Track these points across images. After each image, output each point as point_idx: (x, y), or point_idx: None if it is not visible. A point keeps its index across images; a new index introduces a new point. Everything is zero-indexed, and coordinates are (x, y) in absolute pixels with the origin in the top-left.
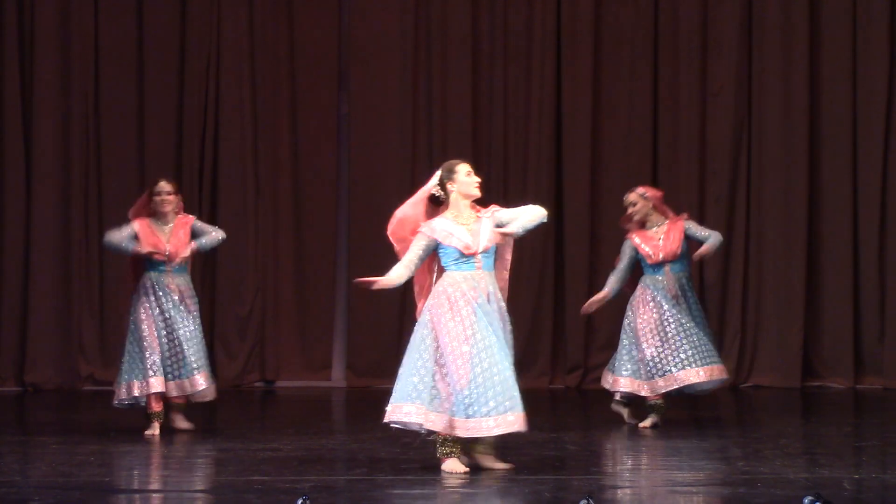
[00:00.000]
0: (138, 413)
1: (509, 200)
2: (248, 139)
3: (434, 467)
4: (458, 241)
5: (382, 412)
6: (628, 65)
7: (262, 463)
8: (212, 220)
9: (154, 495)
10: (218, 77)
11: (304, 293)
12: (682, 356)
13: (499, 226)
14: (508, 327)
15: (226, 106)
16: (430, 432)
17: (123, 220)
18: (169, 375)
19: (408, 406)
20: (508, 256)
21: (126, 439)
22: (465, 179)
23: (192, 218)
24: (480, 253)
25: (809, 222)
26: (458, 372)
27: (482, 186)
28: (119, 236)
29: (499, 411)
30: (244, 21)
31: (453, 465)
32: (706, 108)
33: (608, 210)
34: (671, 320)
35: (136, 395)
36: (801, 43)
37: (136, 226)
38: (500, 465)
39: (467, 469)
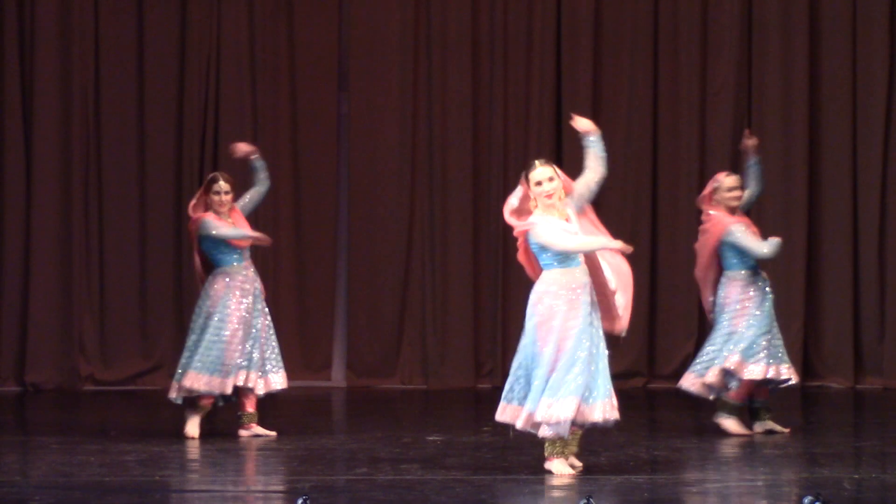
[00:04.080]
0: (137, 412)
1: None
2: (248, 139)
3: (433, 467)
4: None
5: (382, 412)
6: (628, 65)
7: (262, 463)
8: None
9: (154, 495)
10: (218, 77)
11: (304, 293)
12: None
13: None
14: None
15: (226, 106)
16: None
17: (123, 220)
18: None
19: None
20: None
21: (126, 439)
22: (535, 189)
23: (236, 207)
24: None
25: (809, 222)
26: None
27: (484, 185)
28: (235, 230)
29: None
30: (244, 21)
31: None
32: (706, 107)
33: (607, 210)
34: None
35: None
36: (801, 43)
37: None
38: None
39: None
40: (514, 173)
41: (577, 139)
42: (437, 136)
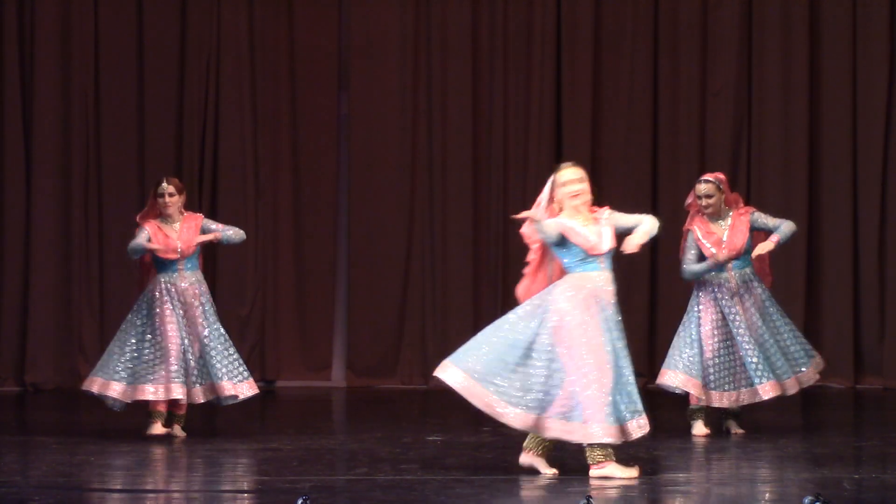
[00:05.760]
0: (139, 413)
1: (509, 201)
2: (248, 139)
3: (433, 467)
4: (584, 239)
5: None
6: (628, 64)
7: (262, 463)
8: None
9: (154, 496)
10: (218, 77)
11: (304, 293)
12: (739, 375)
13: (618, 232)
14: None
15: (226, 106)
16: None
17: (123, 220)
18: (192, 379)
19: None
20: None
21: (126, 439)
22: (561, 190)
23: (200, 216)
24: (605, 254)
25: (809, 222)
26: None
27: (484, 185)
28: (137, 240)
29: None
30: (244, 21)
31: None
32: (706, 107)
33: None
34: (733, 325)
35: (103, 394)
36: (801, 43)
37: (148, 229)
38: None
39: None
40: (515, 173)
41: (577, 139)
42: (436, 136)
